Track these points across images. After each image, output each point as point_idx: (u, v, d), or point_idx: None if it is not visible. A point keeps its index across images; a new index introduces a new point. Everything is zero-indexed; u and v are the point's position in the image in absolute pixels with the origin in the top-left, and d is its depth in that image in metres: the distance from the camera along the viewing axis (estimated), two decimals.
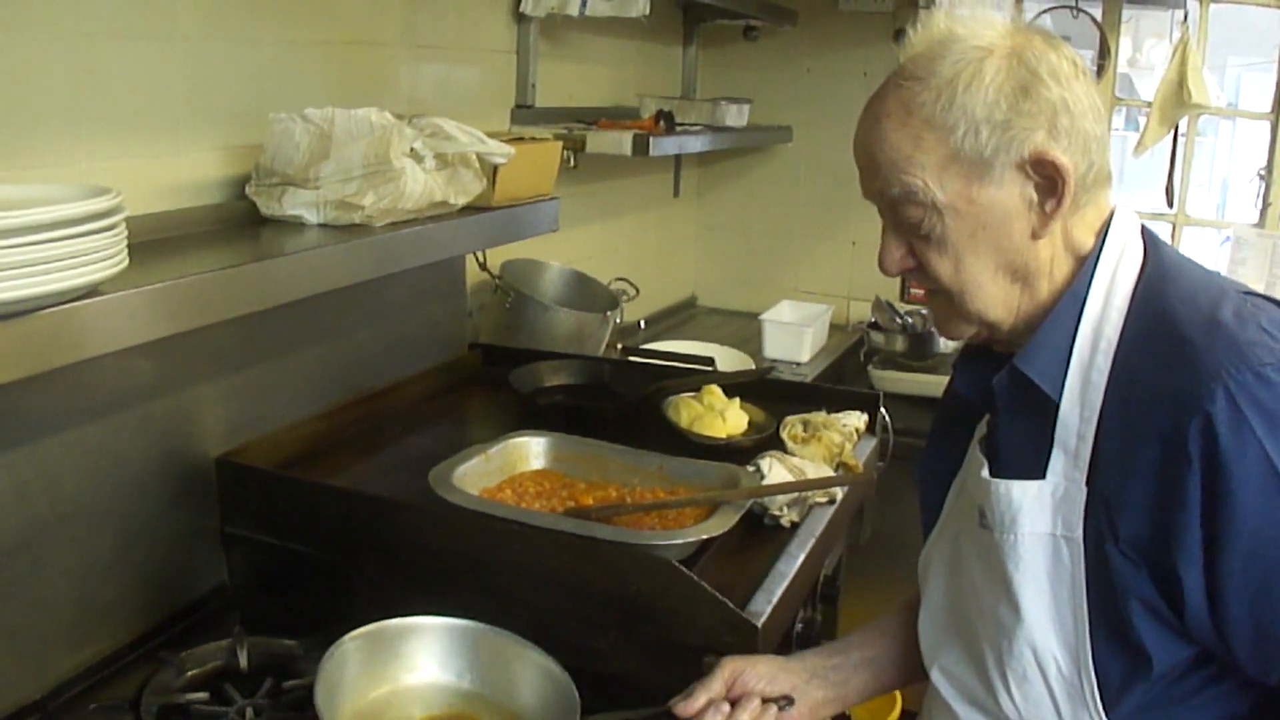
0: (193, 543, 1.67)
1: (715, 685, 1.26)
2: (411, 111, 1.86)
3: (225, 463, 1.65)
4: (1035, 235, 1.11)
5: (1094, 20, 3.35)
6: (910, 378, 3.18)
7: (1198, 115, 3.31)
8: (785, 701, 1.28)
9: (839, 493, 1.78)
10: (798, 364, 3.25)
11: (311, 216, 1.72)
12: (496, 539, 1.48)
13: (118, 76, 1.57)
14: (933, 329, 3.28)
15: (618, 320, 2.69)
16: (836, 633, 1.86)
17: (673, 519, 1.62)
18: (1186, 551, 1.01)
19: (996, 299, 1.14)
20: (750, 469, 1.73)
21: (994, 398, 1.17)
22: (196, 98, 1.71)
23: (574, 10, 2.50)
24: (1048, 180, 1.08)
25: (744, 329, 3.54)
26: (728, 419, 2.01)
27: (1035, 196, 1.09)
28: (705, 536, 1.52)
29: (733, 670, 1.28)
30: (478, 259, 2.42)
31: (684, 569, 1.37)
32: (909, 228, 1.13)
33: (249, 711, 1.38)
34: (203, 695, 1.41)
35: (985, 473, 1.16)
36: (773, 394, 2.17)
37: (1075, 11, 3.33)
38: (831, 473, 1.84)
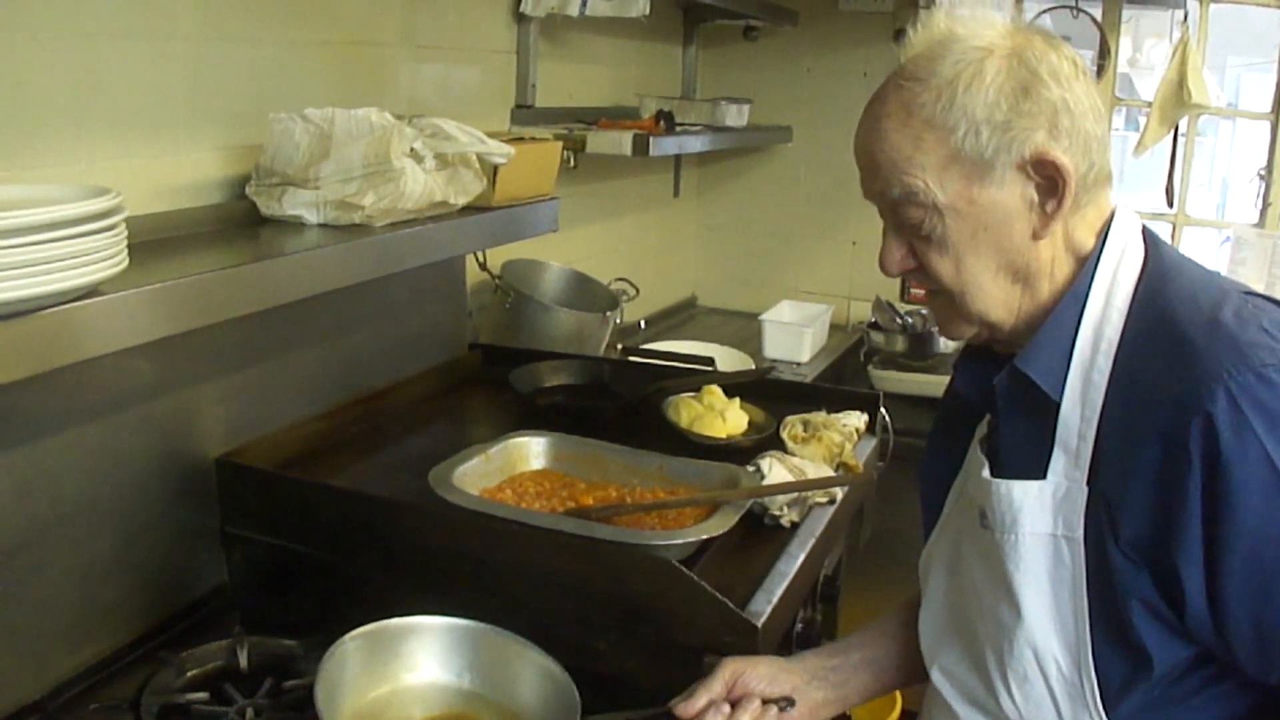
0: (193, 543, 1.67)
1: (716, 686, 1.26)
2: (411, 111, 1.86)
3: (225, 463, 1.65)
4: (1036, 236, 1.11)
5: (1094, 20, 3.35)
6: (910, 378, 3.18)
7: (1198, 115, 3.31)
8: (786, 703, 1.28)
9: (839, 493, 1.78)
10: (798, 364, 3.25)
11: (311, 216, 1.72)
12: (496, 539, 1.48)
13: (118, 76, 1.57)
14: (933, 329, 3.29)
15: (618, 320, 2.69)
16: (836, 633, 1.86)
17: (673, 519, 1.62)
18: (1187, 552, 1.01)
19: (997, 299, 1.14)
20: (750, 469, 1.73)
21: (995, 398, 1.17)
22: (196, 98, 1.71)
23: (574, 10, 2.50)
24: (1048, 180, 1.08)
25: (744, 329, 3.54)
26: (728, 419, 2.01)
27: (1036, 197, 1.09)
28: (705, 536, 1.52)
29: (733, 671, 1.28)
30: (478, 259, 2.42)
31: (684, 569, 1.37)
32: (910, 228, 1.13)
33: (249, 711, 1.38)
34: (203, 695, 1.41)
35: (986, 473, 1.16)
36: (773, 394, 2.17)
37: (1075, 11, 3.33)
38: (831, 473, 1.84)
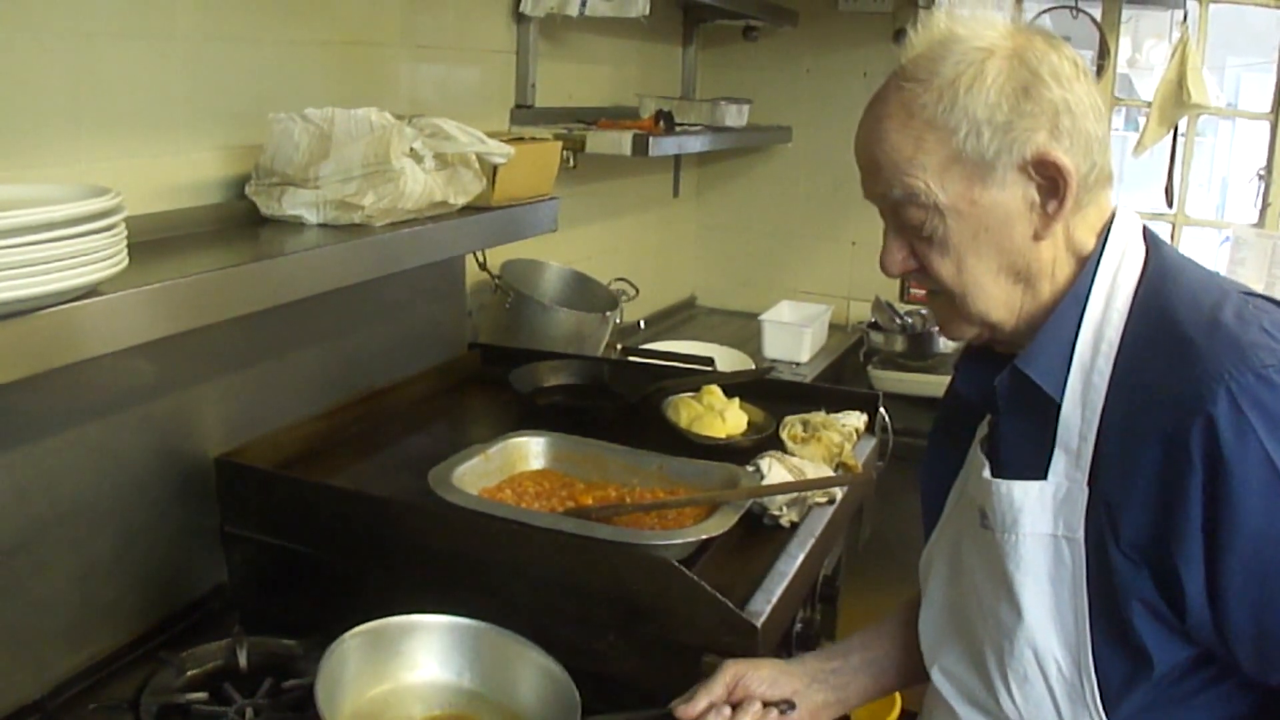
0: (192, 542, 1.67)
1: (716, 688, 1.26)
2: (411, 111, 1.86)
3: (225, 462, 1.65)
4: (1037, 236, 1.11)
5: (1093, 20, 3.35)
6: (910, 378, 3.18)
7: (1197, 115, 3.31)
8: (786, 705, 1.28)
9: (838, 493, 1.78)
10: (797, 364, 3.25)
11: (311, 216, 1.72)
12: (496, 539, 1.48)
13: (118, 76, 1.57)
14: (932, 329, 3.29)
15: (617, 320, 2.69)
16: (836, 633, 1.86)
17: (672, 519, 1.62)
18: (1187, 552, 1.01)
19: (998, 300, 1.14)
20: (750, 469, 1.73)
21: (995, 398, 1.17)
22: (196, 98, 1.71)
23: (574, 10, 2.50)
24: (1049, 181, 1.08)
25: (743, 329, 3.54)
26: (727, 419, 2.01)
27: (1037, 197, 1.09)
28: (705, 536, 1.52)
29: (734, 673, 1.28)
30: (477, 259, 2.42)
31: (683, 569, 1.37)
32: (911, 229, 1.13)
33: (248, 711, 1.38)
34: (202, 695, 1.41)
35: (987, 473, 1.16)
36: (772, 394, 2.17)
37: (1075, 12, 3.33)
38: (831, 473, 1.84)
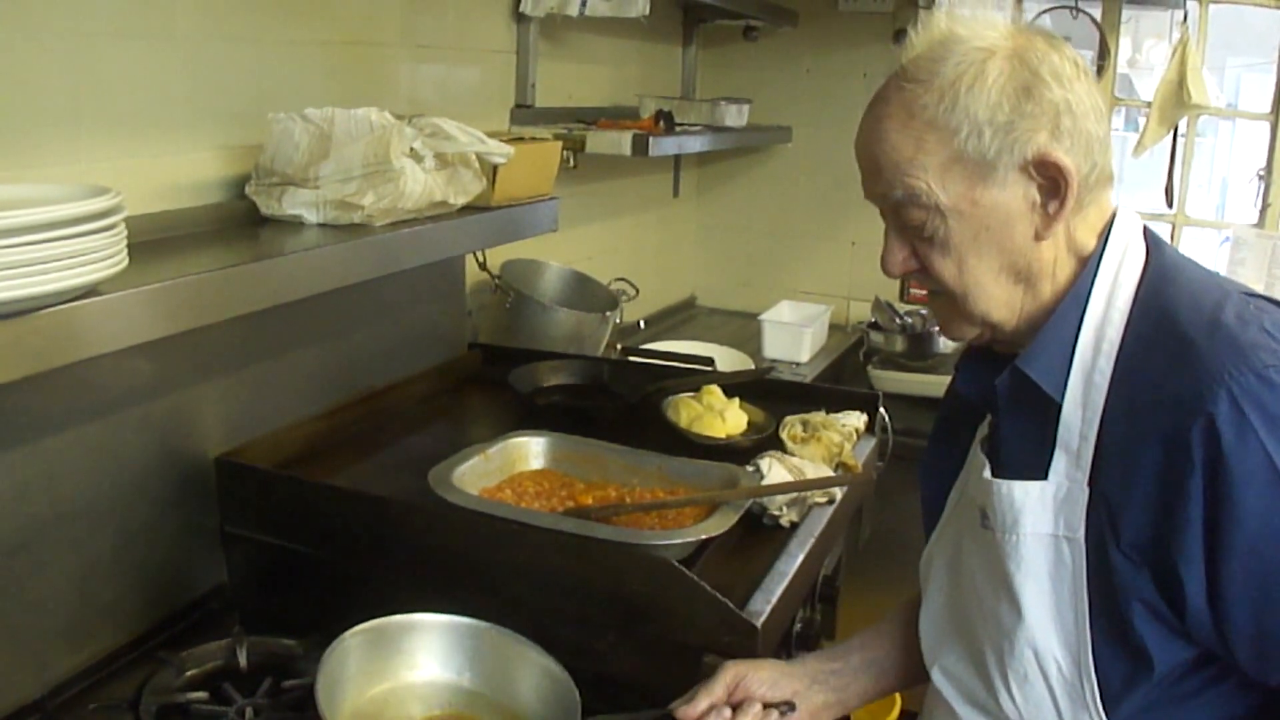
0: (192, 542, 1.67)
1: (717, 689, 1.26)
2: (411, 111, 1.86)
3: (225, 462, 1.65)
4: (1038, 236, 1.11)
5: (1093, 21, 3.35)
6: (910, 378, 3.18)
7: (1197, 116, 3.31)
8: (786, 707, 1.28)
9: (838, 493, 1.78)
10: (797, 364, 3.25)
11: (311, 216, 1.72)
12: (496, 539, 1.48)
13: (118, 76, 1.57)
14: (932, 329, 3.29)
15: (617, 320, 2.69)
16: (836, 633, 1.86)
17: (672, 519, 1.62)
18: (1188, 553, 1.01)
19: (999, 300, 1.14)
20: (749, 469, 1.73)
21: (996, 399, 1.17)
22: (196, 98, 1.71)
23: (574, 10, 2.50)
24: (1050, 181, 1.08)
25: (743, 329, 3.55)
26: (727, 419, 2.01)
27: (1038, 198, 1.09)
28: (704, 536, 1.52)
29: (735, 675, 1.28)
30: (477, 259, 2.42)
31: (683, 569, 1.37)
32: (912, 230, 1.13)
33: (248, 711, 1.38)
34: (202, 695, 1.41)
35: (987, 473, 1.16)
36: (772, 394, 2.17)
37: (1075, 12, 3.33)
38: (831, 473, 1.84)
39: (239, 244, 1.64)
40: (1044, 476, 1.11)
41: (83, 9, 1.50)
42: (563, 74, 2.86)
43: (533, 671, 1.33)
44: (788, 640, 1.66)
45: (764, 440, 1.96)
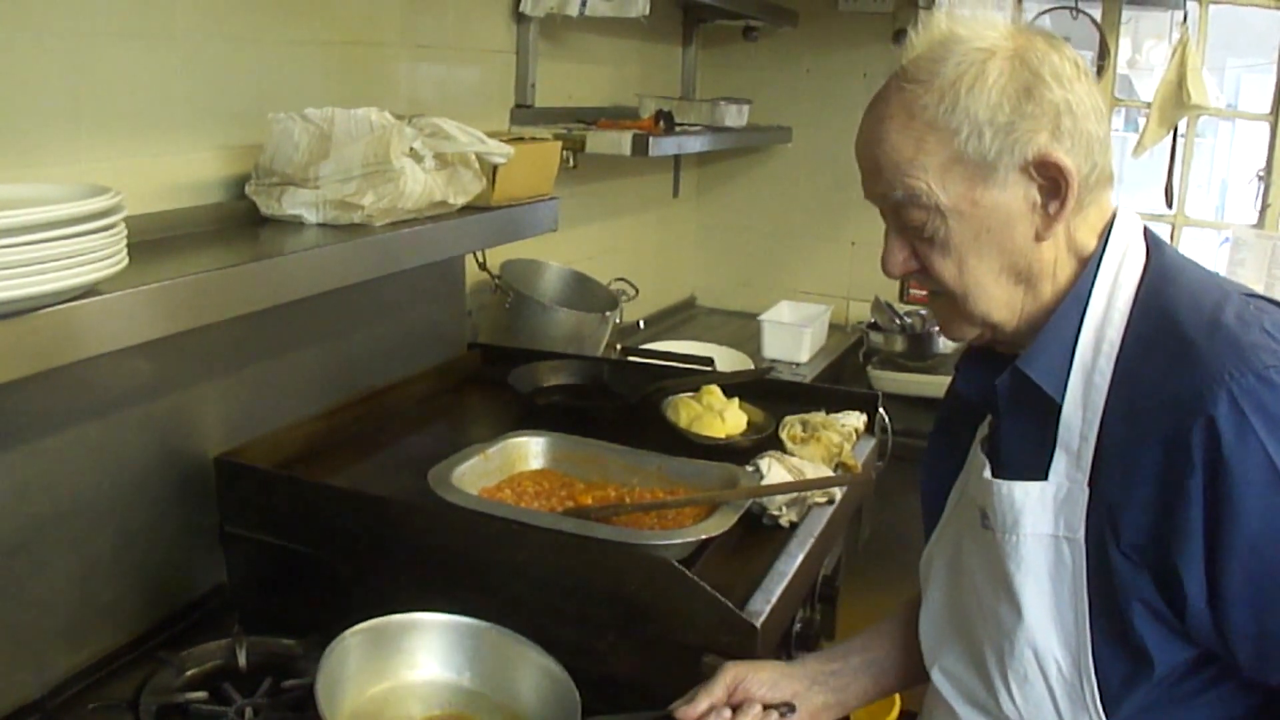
0: (192, 542, 1.67)
1: (717, 690, 1.26)
2: (411, 111, 1.86)
3: (224, 462, 1.65)
4: (1039, 237, 1.11)
5: (1093, 21, 3.35)
6: (909, 378, 3.18)
7: (1197, 116, 3.31)
8: (786, 708, 1.28)
9: (838, 493, 1.78)
10: (797, 364, 3.25)
11: (311, 216, 1.72)
12: (496, 539, 1.48)
13: (118, 76, 1.57)
14: (932, 329, 3.29)
15: (617, 320, 2.69)
16: (835, 633, 1.86)
17: (672, 519, 1.62)
18: (1188, 553, 1.01)
19: (1000, 301, 1.14)
20: (749, 469, 1.73)
21: (996, 399, 1.17)
22: (196, 98, 1.71)
23: (574, 10, 2.50)
24: (1051, 182, 1.08)
25: (743, 329, 3.54)
26: (727, 419, 2.01)
27: (1038, 198, 1.09)
28: (704, 536, 1.52)
29: (735, 676, 1.28)
30: (477, 259, 2.42)
31: (683, 569, 1.38)
32: (912, 230, 1.13)
33: (248, 711, 1.38)
34: (202, 695, 1.41)
35: (987, 473, 1.16)
36: (772, 394, 2.17)
37: (1075, 12, 3.34)
38: (830, 473, 1.85)
39: (239, 244, 1.64)
40: (1044, 477, 1.11)
41: (83, 9, 1.50)
42: (563, 74, 2.86)
43: (533, 671, 1.33)
44: (787, 640, 1.66)
45: (764, 440, 1.96)
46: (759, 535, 1.65)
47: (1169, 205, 3.36)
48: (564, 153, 2.41)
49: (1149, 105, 3.28)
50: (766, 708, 1.27)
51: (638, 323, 3.38)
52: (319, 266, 1.60)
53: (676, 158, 3.71)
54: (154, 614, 1.62)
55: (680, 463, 1.75)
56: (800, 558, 1.59)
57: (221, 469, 1.65)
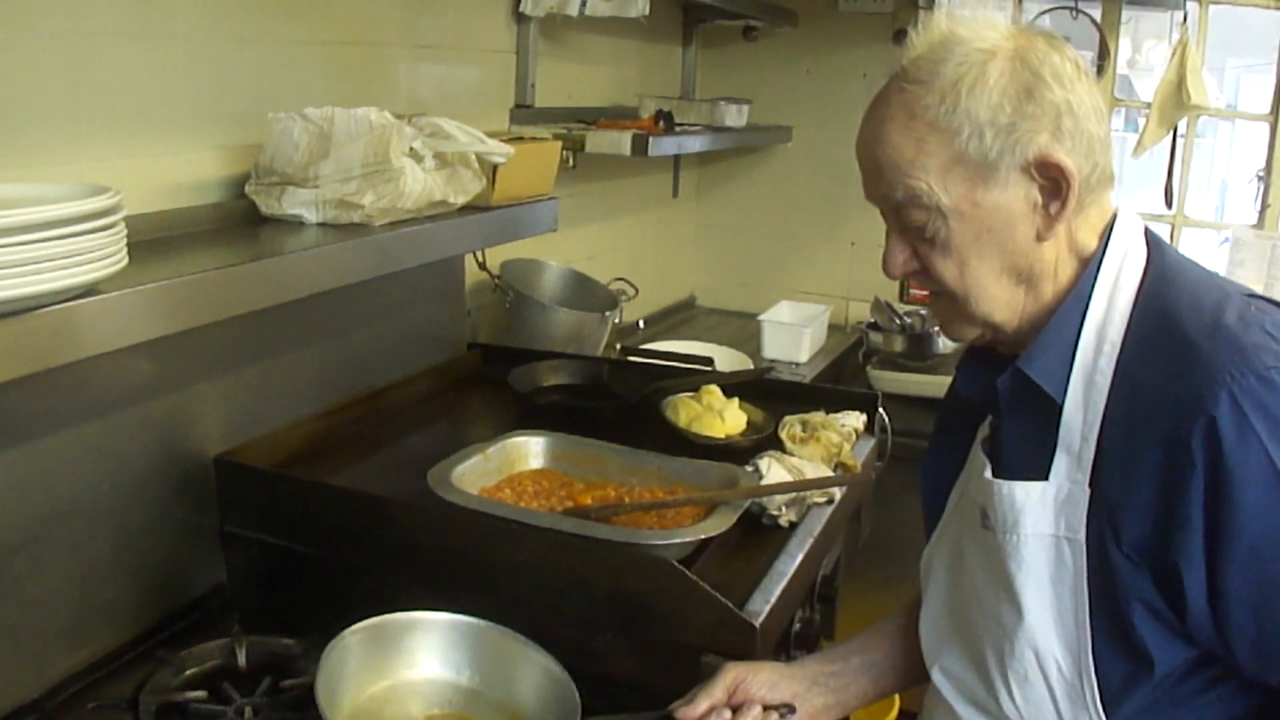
0: (191, 542, 1.67)
1: (717, 691, 1.26)
2: (411, 111, 1.86)
3: (224, 462, 1.65)
4: (1040, 237, 1.11)
5: (1093, 21, 3.35)
6: (909, 378, 3.18)
7: (1197, 116, 3.31)
8: (786, 709, 1.28)
9: (837, 493, 1.78)
10: (796, 364, 3.25)
11: (311, 215, 1.72)
12: (495, 538, 1.48)
13: (118, 76, 1.57)
14: (931, 329, 3.29)
15: (617, 320, 2.69)
16: (835, 633, 1.86)
17: (671, 519, 1.62)
18: (1189, 554, 1.01)
19: (1001, 301, 1.14)
20: (749, 469, 1.73)
21: (997, 399, 1.17)
22: (196, 98, 1.71)
23: (574, 10, 2.50)
24: (1052, 182, 1.08)
25: (743, 329, 3.54)
26: (726, 419, 2.01)
27: (1039, 199, 1.09)
28: (704, 536, 1.52)
29: (735, 677, 1.28)
30: (477, 259, 2.42)
31: (682, 568, 1.38)
32: (913, 231, 1.13)
33: (247, 710, 1.38)
34: (201, 694, 1.41)
35: (988, 473, 1.16)
36: (771, 394, 2.17)
37: (1075, 13, 3.34)
38: (830, 473, 1.85)
39: (239, 243, 1.64)
40: (1045, 477, 1.11)
41: (83, 9, 1.50)
42: (563, 74, 2.86)
43: (533, 671, 1.33)
44: (786, 640, 1.66)
45: (763, 440, 1.96)
46: (758, 535, 1.65)
47: (1169, 205, 3.36)
48: (564, 153, 2.41)
49: (1149, 105, 3.28)
50: (766, 708, 1.27)
51: (637, 322, 3.38)
52: (319, 266, 1.60)
53: (676, 158, 3.71)
54: (153, 613, 1.62)
55: (680, 463, 1.75)
56: (800, 558, 1.59)
57: (221, 469, 1.65)
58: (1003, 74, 1.07)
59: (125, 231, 1.25)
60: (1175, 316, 1.07)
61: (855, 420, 2.01)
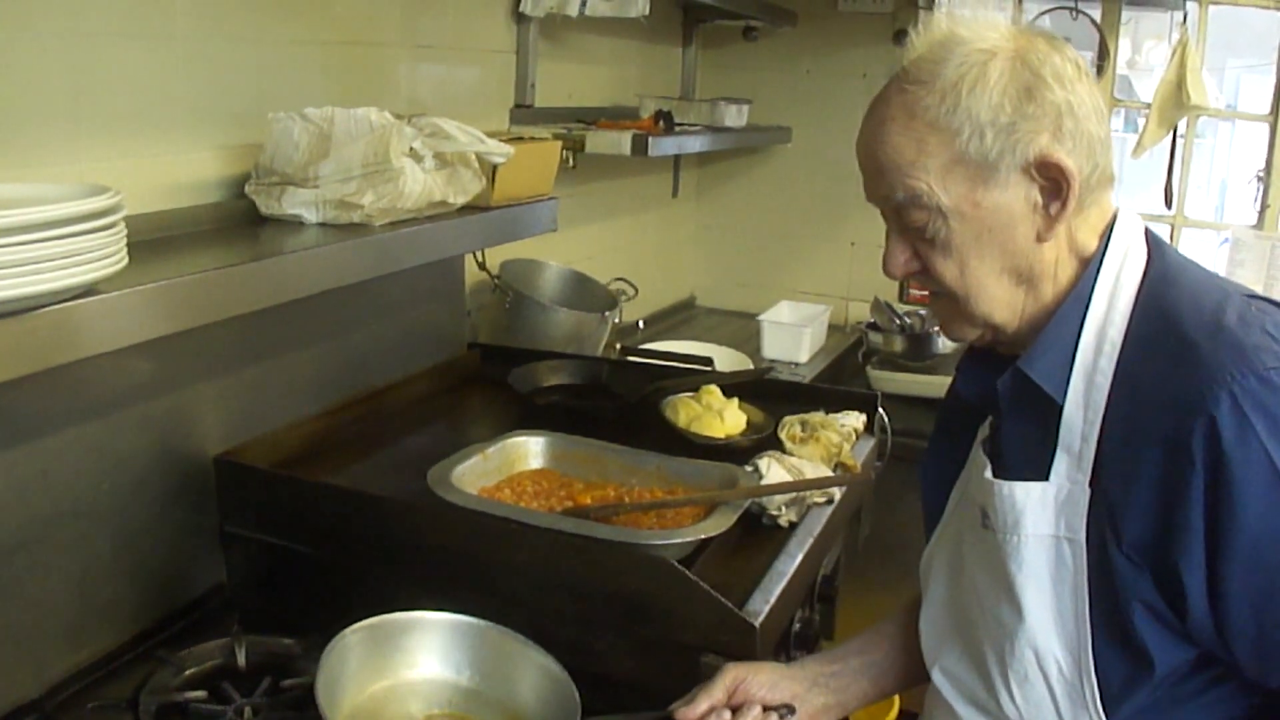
0: (191, 542, 1.67)
1: (717, 691, 1.26)
2: (411, 111, 1.86)
3: (224, 462, 1.65)
4: (1040, 238, 1.11)
5: (1093, 22, 3.35)
6: (908, 378, 3.18)
7: (1196, 117, 3.31)
8: (786, 710, 1.28)
9: (837, 493, 1.78)
10: (796, 364, 3.25)
11: (311, 215, 1.72)
12: (495, 538, 1.48)
13: (118, 76, 1.57)
14: (931, 330, 3.29)
15: (616, 320, 2.69)
16: (834, 633, 1.86)
17: (671, 519, 1.62)
18: (1189, 554, 1.01)
19: (1001, 301, 1.14)
20: (748, 469, 1.73)
21: (997, 400, 1.17)
22: (196, 98, 1.71)
23: (573, 10, 2.50)
24: (1052, 183, 1.08)
25: (742, 329, 3.54)
26: (726, 419, 2.01)
27: (1040, 199, 1.09)
28: (703, 536, 1.52)
29: (735, 677, 1.28)
30: (476, 259, 2.42)
31: (682, 568, 1.38)
32: (914, 231, 1.13)
33: (247, 710, 1.38)
34: (201, 694, 1.41)
35: (988, 474, 1.16)
36: (771, 394, 2.17)
37: (1075, 13, 3.34)
38: (829, 473, 1.85)
39: (239, 243, 1.64)
40: (1045, 477, 1.11)
41: (83, 9, 1.50)
42: (563, 74, 2.86)
43: (533, 671, 1.33)
44: (786, 640, 1.66)
45: (763, 440, 1.96)
46: (758, 535, 1.65)
47: (1168, 206, 3.36)
48: (564, 153, 2.41)
49: (1148, 106, 3.28)
50: (766, 709, 1.27)
51: (637, 322, 3.38)
52: (319, 266, 1.60)
53: (676, 158, 3.71)
54: (153, 613, 1.62)
55: (679, 463, 1.75)
56: (799, 558, 1.59)
57: (221, 469, 1.65)
58: (1003, 74, 1.07)
59: (125, 231, 1.25)
60: (1176, 317, 1.07)
61: (855, 420, 2.01)
